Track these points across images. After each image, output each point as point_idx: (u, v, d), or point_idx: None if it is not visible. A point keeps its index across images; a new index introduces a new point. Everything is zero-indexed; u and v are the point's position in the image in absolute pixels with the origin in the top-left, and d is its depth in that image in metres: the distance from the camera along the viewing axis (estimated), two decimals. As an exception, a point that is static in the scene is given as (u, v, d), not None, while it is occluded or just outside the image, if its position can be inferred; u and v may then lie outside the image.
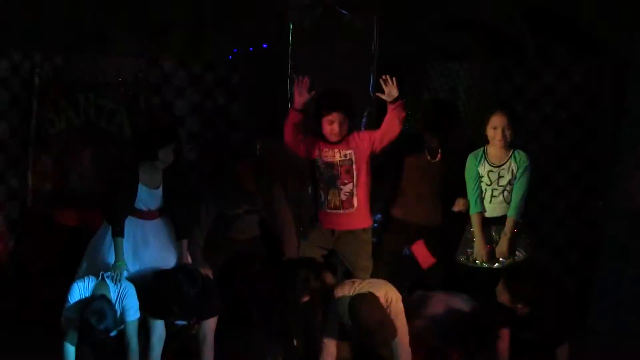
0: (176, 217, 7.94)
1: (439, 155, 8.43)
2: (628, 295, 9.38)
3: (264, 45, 10.80)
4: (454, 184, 8.35)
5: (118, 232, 7.67)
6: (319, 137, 8.17)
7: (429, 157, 8.42)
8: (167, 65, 10.42)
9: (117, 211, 7.76)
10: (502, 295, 7.61)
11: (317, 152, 8.17)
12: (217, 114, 10.41)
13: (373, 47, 9.59)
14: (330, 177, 8.15)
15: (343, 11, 9.55)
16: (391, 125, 7.99)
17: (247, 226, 8.39)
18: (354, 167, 8.11)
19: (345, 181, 8.12)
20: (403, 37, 10.41)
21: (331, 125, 8.02)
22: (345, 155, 8.11)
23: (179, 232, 7.92)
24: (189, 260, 7.93)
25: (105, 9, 11.29)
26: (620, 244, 9.52)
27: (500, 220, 8.11)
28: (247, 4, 10.92)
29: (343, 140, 8.13)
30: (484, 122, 8.25)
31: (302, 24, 9.61)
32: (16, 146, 9.90)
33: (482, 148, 8.24)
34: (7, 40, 10.00)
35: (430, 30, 11.32)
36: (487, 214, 8.15)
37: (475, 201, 8.14)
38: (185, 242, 7.93)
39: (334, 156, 8.12)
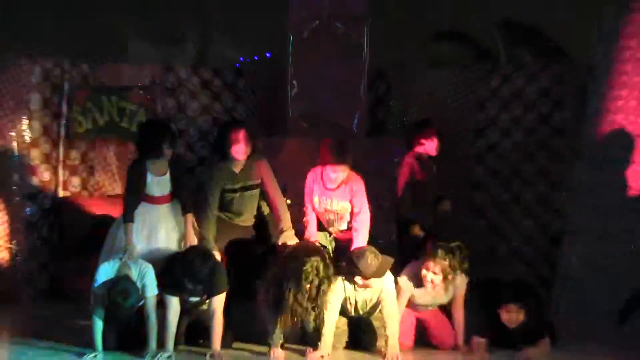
0: (180, 196, 7.89)
1: None
2: (589, 278, 9.23)
3: (268, 54, 10.82)
4: None
5: (127, 219, 7.66)
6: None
7: None
8: (181, 72, 10.44)
9: (126, 200, 7.77)
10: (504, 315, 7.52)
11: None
12: (225, 114, 10.36)
13: (364, 56, 9.62)
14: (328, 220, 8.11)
15: (338, 24, 9.58)
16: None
17: (244, 206, 8.16)
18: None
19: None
20: (391, 46, 10.41)
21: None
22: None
23: (183, 208, 7.87)
24: (191, 231, 7.84)
25: (126, 22, 11.34)
26: (583, 231, 9.42)
27: None
28: (252, 18, 10.97)
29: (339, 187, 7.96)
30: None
31: (302, 36, 9.65)
32: (48, 143, 9.96)
33: None
34: (40, 49, 10.02)
35: (416, 40, 11.38)
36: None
37: None
38: (189, 216, 7.85)
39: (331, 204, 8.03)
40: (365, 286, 7.39)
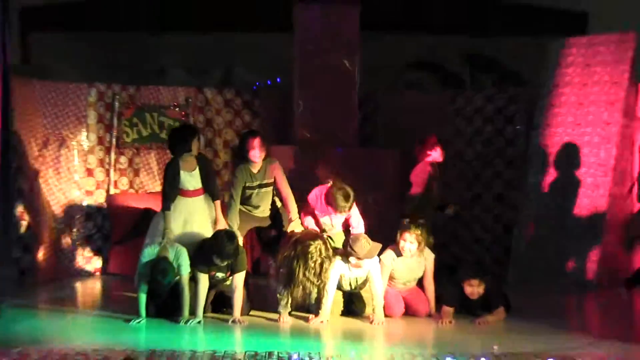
0: (210, 186, 7.88)
1: None
2: (535, 258, 9.38)
3: (278, 80, 10.78)
4: None
5: (165, 208, 7.67)
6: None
7: None
8: (208, 93, 10.43)
9: (165, 192, 7.73)
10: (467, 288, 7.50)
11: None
12: (244, 127, 10.28)
13: (355, 81, 9.65)
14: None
15: (335, 57, 9.56)
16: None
17: (261, 200, 8.09)
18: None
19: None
20: (377, 73, 10.39)
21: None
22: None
23: (213, 196, 7.88)
24: (221, 214, 7.83)
25: (166, 54, 11.35)
26: (532, 221, 9.56)
27: None
28: (266, 50, 10.96)
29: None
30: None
31: (306, 65, 9.64)
32: (102, 151, 9.95)
33: None
34: (95, 75, 10.08)
35: (397, 68, 11.37)
36: None
37: None
38: (217, 202, 7.85)
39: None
40: (357, 266, 7.40)
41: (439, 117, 10.30)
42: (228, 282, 7.46)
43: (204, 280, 7.35)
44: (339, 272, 7.46)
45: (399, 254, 7.66)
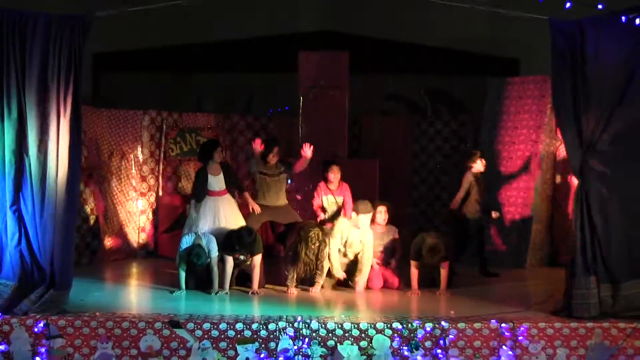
0: (236, 183, 7.85)
1: None
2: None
3: (287, 108, 10.77)
4: None
5: (196, 198, 7.61)
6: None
7: None
8: (234, 118, 10.34)
9: (196, 192, 7.66)
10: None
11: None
12: (261, 145, 10.21)
13: (345, 109, 9.55)
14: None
15: (329, 90, 9.51)
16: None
17: (275, 191, 7.89)
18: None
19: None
20: (361, 103, 10.43)
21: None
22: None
23: (241, 189, 7.85)
24: (251, 200, 7.71)
25: (201, 88, 11.41)
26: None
27: None
28: (278, 84, 11.00)
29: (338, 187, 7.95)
30: None
31: (308, 96, 9.57)
32: (153, 162, 9.86)
33: None
34: (148, 104, 9.98)
35: (376, 100, 11.43)
36: None
37: None
38: (246, 193, 7.78)
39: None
40: (355, 223, 7.38)
41: (407, 137, 10.34)
42: (248, 262, 7.39)
43: (230, 261, 7.28)
44: (338, 241, 7.43)
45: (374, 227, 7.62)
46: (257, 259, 7.30)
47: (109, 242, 9.32)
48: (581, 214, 6.13)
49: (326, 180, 7.96)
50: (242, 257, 7.36)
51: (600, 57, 6.13)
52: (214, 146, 7.79)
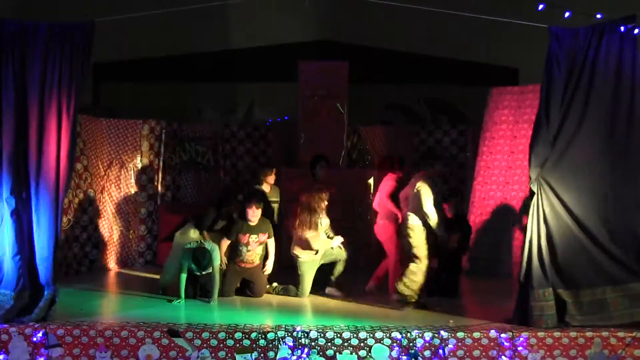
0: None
1: None
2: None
3: (286, 117, 10.79)
4: None
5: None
6: None
7: None
8: (233, 128, 10.33)
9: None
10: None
11: None
12: (260, 154, 10.31)
13: (344, 119, 9.55)
14: None
15: (329, 99, 9.50)
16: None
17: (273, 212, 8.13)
18: None
19: None
20: (360, 113, 10.45)
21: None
22: None
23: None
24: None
25: (201, 98, 11.41)
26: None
27: None
28: (277, 94, 11.03)
29: None
30: None
31: (307, 106, 9.57)
32: (152, 171, 9.77)
33: None
34: (147, 115, 9.95)
35: (376, 109, 11.44)
36: None
37: None
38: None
39: None
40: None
41: (407, 146, 10.28)
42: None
43: (232, 269, 7.33)
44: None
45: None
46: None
47: (108, 250, 9.28)
48: (537, 225, 6.14)
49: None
50: (248, 266, 7.44)
51: (596, 67, 6.16)
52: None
